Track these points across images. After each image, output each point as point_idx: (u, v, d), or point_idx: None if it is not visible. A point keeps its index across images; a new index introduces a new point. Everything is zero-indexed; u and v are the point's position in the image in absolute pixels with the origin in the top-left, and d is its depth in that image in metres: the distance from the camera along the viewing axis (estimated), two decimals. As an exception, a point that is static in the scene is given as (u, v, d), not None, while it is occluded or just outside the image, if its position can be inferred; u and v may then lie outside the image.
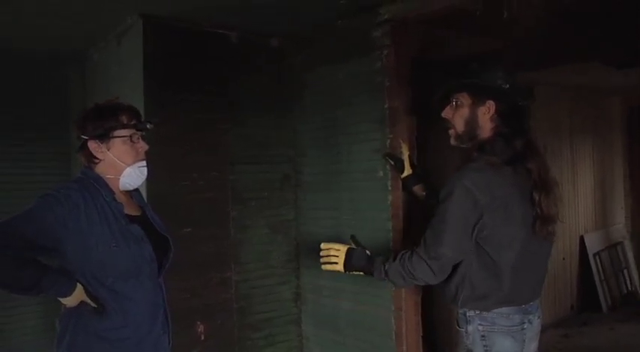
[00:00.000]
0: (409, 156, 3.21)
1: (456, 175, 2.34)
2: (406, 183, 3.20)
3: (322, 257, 2.73)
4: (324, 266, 2.73)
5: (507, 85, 2.42)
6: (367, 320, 3.63)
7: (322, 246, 2.75)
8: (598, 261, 6.87)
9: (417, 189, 3.12)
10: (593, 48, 4.47)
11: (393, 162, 3.30)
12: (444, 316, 4.58)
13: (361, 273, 2.65)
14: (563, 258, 6.46)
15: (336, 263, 2.68)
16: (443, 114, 2.55)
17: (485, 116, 2.43)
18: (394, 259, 2.46)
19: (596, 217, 7.21)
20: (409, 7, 3.25)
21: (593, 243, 6.92)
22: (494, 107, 2.41)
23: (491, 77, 2.43)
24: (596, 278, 6.76)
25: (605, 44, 4.37)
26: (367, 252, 2.66)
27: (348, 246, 2.71)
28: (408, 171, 3.18)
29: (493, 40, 4.15)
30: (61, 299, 2.10)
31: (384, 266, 2.50)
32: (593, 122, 7.19)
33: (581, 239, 6.82)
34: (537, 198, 2.31)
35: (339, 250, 2.69)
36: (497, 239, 2.30)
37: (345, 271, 2.68)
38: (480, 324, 2.37)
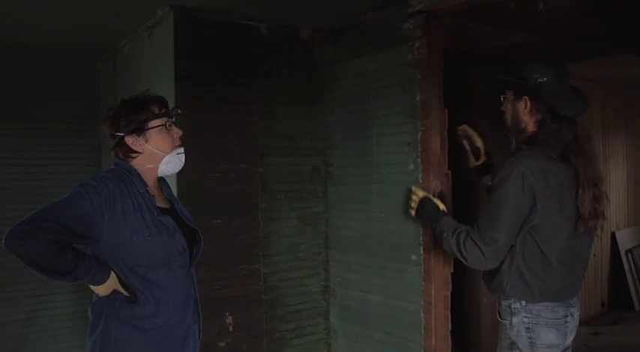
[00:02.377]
0: (484, 144, 3.08)
1: (511, 160, 2.37)
2: (476, 172, 3.09)
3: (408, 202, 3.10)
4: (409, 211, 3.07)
5: (545, 78, 2.41)
6: (396, 314, 3.61)
7: (412, 188, 3.10)
8: (630, 258, 6.75)
9: (486, 179, 2.98)
10: (626, 39, 4.38)
11: (469, 147, 3.13)
12: (473, 310, 4.55)
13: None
14: (594, 255, 6.36)
15: (413, 208, 2.99)
16: (501, 108, 2.60)
17: (525, 111, 2.47)
18: (453, 233, 2.50)
19: (629, 214, 7.08)
20: (441, -3, 3.21)
21: (625, 240, 6.81)
22: (529, 103, 2.45)
23: (528, 72, 2.45)
24: (628, 275, 6.65)
25: (637, 35, 4.28)
26: (440, 206, 2.86)
27: (425, 195, 2.98)
28: (483, 158, 3.07)
29: (526, 33, 4.09)
30: (93, 288, 2.13)
31: (444, 233, 2.57)
32: (625, 116, 7.06)
33: (613, 235, 6.71)
34: (581, 194, 2.32)
35: (418, 196, 2.98)
36: (548, 229, 2.33)
37: (416, 217, 3.02)
38: (525, 316, 2.40)
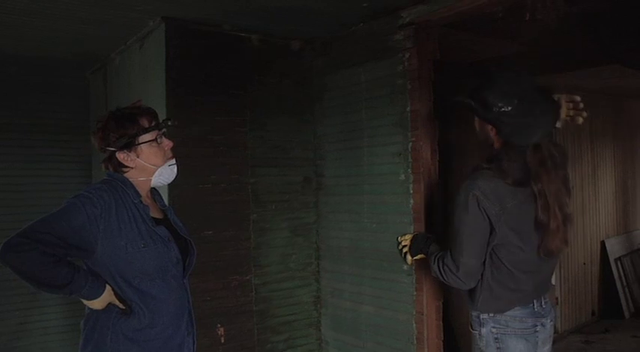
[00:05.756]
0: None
1: (466, 184, 2.39)
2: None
3: (399, 249, 3.17)
4: (405, 258, 3.14)
5: (509, 108, 2.34)
6: (388, 324, 3.61)
7: (397, 238, 3.23)
8: (620, 266, 6.79)
9: None
10: (613, 50, 4.42)
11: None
12: (464, 320, 4.55)
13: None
14: (584, 263, 6.39)
15: (407, 252, 3.07)
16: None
17: (492, 133, 2.46)
18: (434, 259, 2.59)
19: (618, 222, 7.13)
20: (431, 9, 3.24)
21: (614, 249, 6.84)
22: (494, 129, 2.43)
23: (493, 98, 2.36)
24: (618, 283, 6.68)
25: (626, 46, 4.32)
26: (428, 235, 3.00)
27: (411, 235, 3.10)
28: None
29: (516, 45, 4.13)
30: (86, 302, 2.11)
31: (430, 259, 2.67)
32: (613, 125, 7.12)
33: (602, 244, 6.75)
34: (543, 220, 2.33)
35: (407, 239, 3.09)
36: (509, 248, 2.36)
37: (412, 257, 3.05)
38: (493, 327, 2.43)
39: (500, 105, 2.35)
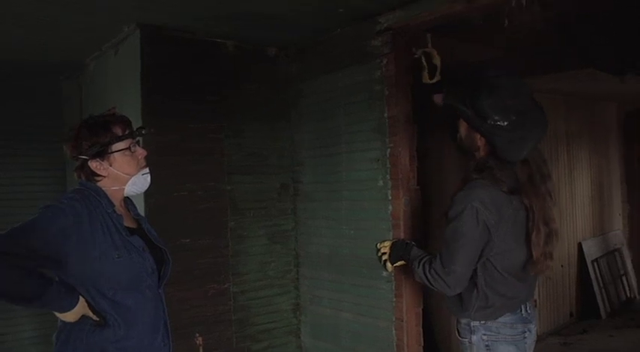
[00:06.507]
0: (440, 64, 3.18)
1: (463, 193, 2.36)
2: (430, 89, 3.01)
3: (379, 257, 3.09)
4: (385, 266, 3.05)
5: (505, 123, 2.30)
6: (368, 331, 3.59)
7: (376, 244, 3.15)
8: (596, 267, 6.85)
9: (437, 98, 2.74)
10: (589, 55, 4.46)
11: (425, 64, 3.22)
12: (444, 326, 4.55)
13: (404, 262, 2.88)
14: (562, 266, 6.44)
15: (386, 260, 3.00)
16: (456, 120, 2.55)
17: (480, 141, 2.44)
18: (419, 264, 2.55)
19: (594, 224, 7.19)
20: (409, 15, 3.23)
21: (591, 250, 6.90)
22: (484, 139, 2.40)
23: (490, 110, 2.32)
24: (595, 285, 6.73)
25: (601, 51, 4.36)
26: (407, 241, 2.97)
27: (391, 242, 3.03)
28: (437, 77, 3.17)
29: (492, 48, 4.14)
30: (59, 315, 2.06)
31: (412, 264, 2.63)
32: (589, 127, 7.18)
33: (579, 246, 6.80)
34: (535, 236, 2.35)
35: (386, 246, 3.02)
36: (506, 255, 2.36)
37: (392, 264, 2.98)
38: (484, 334, 2.42)
39: (496, 118, 2.31)
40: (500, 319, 2.41)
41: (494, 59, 4.34)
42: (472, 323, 2.44)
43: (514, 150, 2.33)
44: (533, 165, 2.38)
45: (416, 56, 3.26)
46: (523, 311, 2.45)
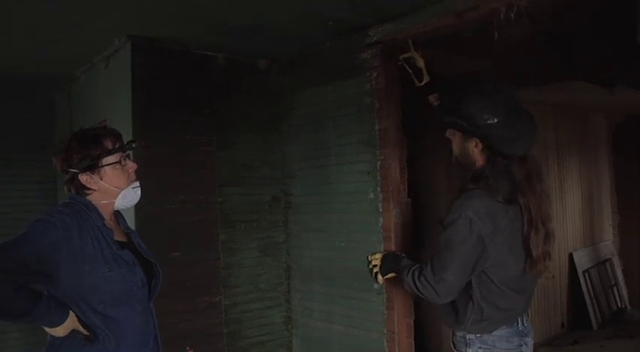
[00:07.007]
0: (425, 66, 3.18)
1: (458, 203, 2.34)
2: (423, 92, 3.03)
3: (370, 269, 3.09)
4: (376, 278, 3.04)
5: (495, 120, 2.32)
6: (359, 343, 3.58)
7: (368, 257, 3.15)
8: (587, 278, 6.86)
9: (432, 98, 2.79)
10: (578, 67, 4.50)
11: (411, 70, 3.22)
12: (435, 337, 4.55)
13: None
14: (553, 276, 6.44)
15: (377, 272, 2.99)
16: (447, 135, 2.54)
17: (476, 149, 2.42)
18: (408, 271, 2.53)
19: (585, 234, 7.20)
20: (398, 28, 3.26)
21: (582, 261, 6.92)
22: (480, 143, 2.40)
23: (479, 113, 2.34)
24: (586, 295, 6.74)
25: (590, 63, 4.40)
26: (398, 253, 2.97)
27: (382, 254, 3.04)
28: (426, 78, 3.16)
29: (483, 61, 4.16)
30: (48, 330, 2.04)
31: (402, 274, 2.61)
32: (578, 138, 7.21)
33: (570, 256, 6.82)
34: (534, 236, 2.33)
35: (377, 258, 3.02)
36: (501, 267, 2.33)
37: (383, 276, 2.97)
38: (480, 347, 2.40)
39: (485, 117, 2.32)
40: (496, 332, 2.38)
41: (484, 70, 4.36)
42: (468, 336, 2.41)
43: (511, 144, 2.33)
44: (530, 164, 2.38)
45: (399, 63, 3.28)
46: (519, 324, 2.42)
